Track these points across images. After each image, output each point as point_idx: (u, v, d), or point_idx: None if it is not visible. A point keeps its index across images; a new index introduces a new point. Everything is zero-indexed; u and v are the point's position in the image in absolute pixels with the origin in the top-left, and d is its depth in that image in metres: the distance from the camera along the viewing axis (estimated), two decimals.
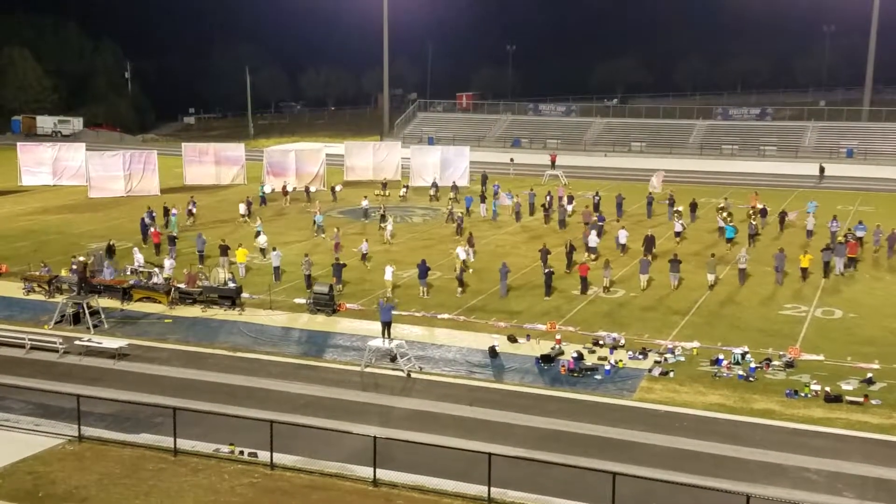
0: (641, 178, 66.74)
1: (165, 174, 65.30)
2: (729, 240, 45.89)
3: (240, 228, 49.79)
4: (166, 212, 49.48)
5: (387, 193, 60.73)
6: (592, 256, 42.00)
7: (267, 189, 60.07)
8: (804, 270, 39.57)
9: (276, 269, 38.71)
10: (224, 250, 39.96)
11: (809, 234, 47.79)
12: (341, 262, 38.02)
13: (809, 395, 26.25)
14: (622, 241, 44.66)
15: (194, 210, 52.37)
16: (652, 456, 22.43)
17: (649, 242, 42.38)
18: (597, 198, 55.12)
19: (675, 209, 52.19)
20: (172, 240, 42.86)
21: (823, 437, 23.73)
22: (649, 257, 41.12)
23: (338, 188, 61.06)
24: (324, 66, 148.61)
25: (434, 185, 61.58)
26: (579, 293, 36.98)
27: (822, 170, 73.96)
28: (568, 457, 21.76)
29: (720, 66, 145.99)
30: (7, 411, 24.45)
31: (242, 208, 52.53)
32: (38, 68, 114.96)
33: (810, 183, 70.26)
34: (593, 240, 43.18)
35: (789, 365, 28.73)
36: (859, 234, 45.56)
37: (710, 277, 38.20)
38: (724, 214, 49.93)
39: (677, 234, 47.48)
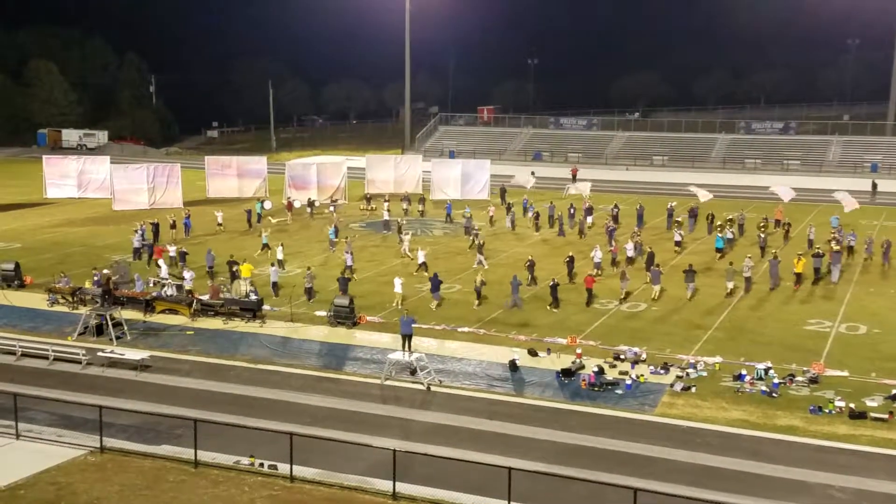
0: (663, 192, 66.50)
1: (188, 187, 65.78)
2: (718, 250, 45.71)
3: (250, 240, 49.68)
4: (173, 225, 49.98)
5: (405, 207, 60.58)
6: (598, 271, 41.86)
7: (267, 205, 60.01)
8: (798, 276, 39.68)
9: (275, 284, 38.67)
10: (231, 266, 39.82)
11: (810, 244, 47.37)
12: (347, 276, 38.14)
13: (833, 412, 25.96)
14: (630, 253, 44.55)
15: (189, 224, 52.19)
16: (673, 472, 22.25)
17: (649, 258, 42.16)
18: (615, 210, 55.04)
19: (674, 219, 52.34)
20: (183, 256, 42.74)
21: (848, 454, 23.44)
22: (658, 267, 41.17)
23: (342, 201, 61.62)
24: (346, 80, 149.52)
25: (406, 198, 61.67)
26: (590, 306, 37.03)
27: (874, 186, 73.07)
28: (588, 472, 21.62)
29: (743, 80, 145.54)
30: (31, 422, 24.61)
31: (220, 217, 53.27)
32: (63, 82, 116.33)
33: (830, 198, 69.57)
34: (598, 255, 42.68)
35: (813, 381, 28.45)
36: (851, 242, 45.98)
37: (729, 285, 38.54)
38: (724, 225, 50.03)
39: (677, 243, 47.52)
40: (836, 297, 39.09)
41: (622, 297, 37.50)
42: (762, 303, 38.15)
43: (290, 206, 59.43)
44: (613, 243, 46.03)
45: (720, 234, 47.43)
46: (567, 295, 38.16)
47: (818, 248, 43.15)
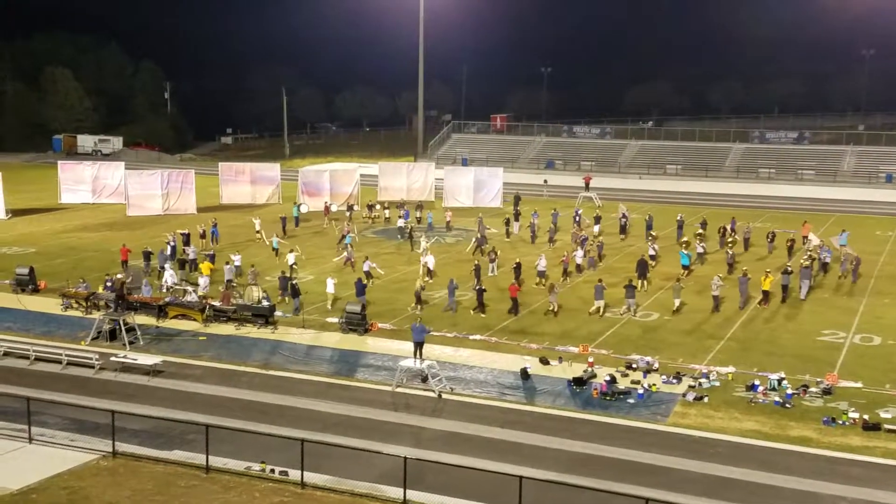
0: (676, 201, 66.33)
1: (202, 193, 66.05)
2: (685, 267, 43.58)
3: (265, 247, 49.76)
4: (203, 234, 49.88)
5: (418, 215, 60.45)
6: (542, 279, 41.88)
7: (303, 209, 60.25)
8: (766, 294, 38.64)
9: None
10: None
11: (825, 266, 44.81)
12: (364, 282, 38.41)
13: (847, 423, 25.80)
14: (578, 261, 44.34)
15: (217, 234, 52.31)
16: (685, 482, 22.15)
17: (642, 266, 42.02)
18: (623, 219, 54.82)
19: (650, 232, 51.17)
20: (212, 258, 43.01)
21: (861, 465, 23.28)
22: (643, 282, 41.20)
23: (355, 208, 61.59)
24: (359, 88, 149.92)
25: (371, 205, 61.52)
26: (517, 314, 36.85)
27: None
28: (600, 481, 21.53)
29: (757, 90, 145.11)
30: (43, 426, 24.71)
31: (258, 224, 52.74)
32: (79, 88, 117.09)
33: (850, 208, 69.36)
34: (542, 264, 42.28)
35: (827, 392, 28.28)
36: (826, 258, 44.61)
37: (676, 302, 37.53)
38: (689, 241, 48.50)
39: (652, 258, 45.90)
40: (851, 307, 38.87)
41: (630, 308, 37.23)
42: (775, 314, 37.97)
43: (327, 209, 59.67)
44: (580, 252, 45.29)
45: (685, 251, 44.85)
46: (579, 301, 38.06)
47: (788, 265, 41.79)
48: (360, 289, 37.50)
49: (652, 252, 46.34)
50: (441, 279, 41.06)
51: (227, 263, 41.76)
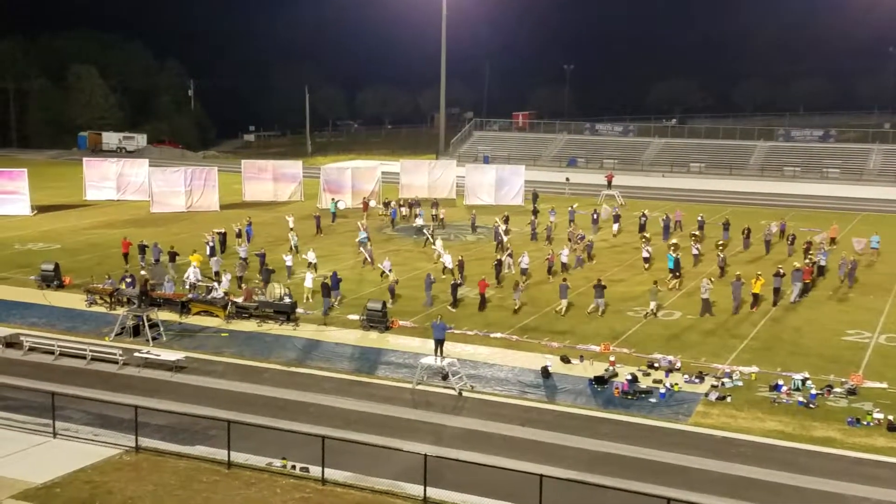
0: (699, 199, 65.95)
1: (225, 190, 66.39)
2: (671, 270, 42.05)
3: (318, 244, 49.61)
4: (239, 233, 49.26)
5: (440, 215, 60.25)
6: (524, 277, 41.83)
7: (341, 205, 60.25)
8: (755, 296, 37.62)
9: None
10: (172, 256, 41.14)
11: (821, 270, 43.47)
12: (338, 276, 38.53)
13: (872, 424, 25.55)
14: (564, 260, 43.80)
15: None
16: (707, 482, 22.01)
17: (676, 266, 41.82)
18: (643, 218, 54.48)
19: (642, 234, 50.39)
20: (263, 257, 42.66)
21: (886, 466, 23.04)
22: (677, 283, 41.01)
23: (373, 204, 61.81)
24: (381, 85, 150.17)
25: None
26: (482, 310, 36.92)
27: None
28: (621, 480, 21.44)
29: (782, 87, 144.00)
30: (68, 420, 24.94)
31: (291, 222, 52.62)
32: (104, 85, 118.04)
33: (875, 207, 68.65)
34: (524, 261, 42.46)
35: (851, 392, 28.01)
36: (821, 261, 43.45)
37: (652, 305, 36.86)
38: (678, 244, 46.81)
39: (645, 260, 45.18)
40: (876, 307, 38.47)
41: (653, 310, 36.96)
42: (799, 314, 37.64)
43: (365, 205, 59.84)
44: (566, 251, 44.86)
45: (672, 254, 42.74)
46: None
47: (780, 268, 40.21)
48: (335, 283, 37.62)
49: (646, 254, 45.36)
50: (445, 280, 40.71)
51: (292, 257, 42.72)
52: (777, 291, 38.49)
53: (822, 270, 43.31)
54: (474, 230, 55.28)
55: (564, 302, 36.90)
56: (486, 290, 37.84)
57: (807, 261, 42.64)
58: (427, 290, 37.91)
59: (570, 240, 48.43)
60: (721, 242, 48.83)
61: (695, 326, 35.53)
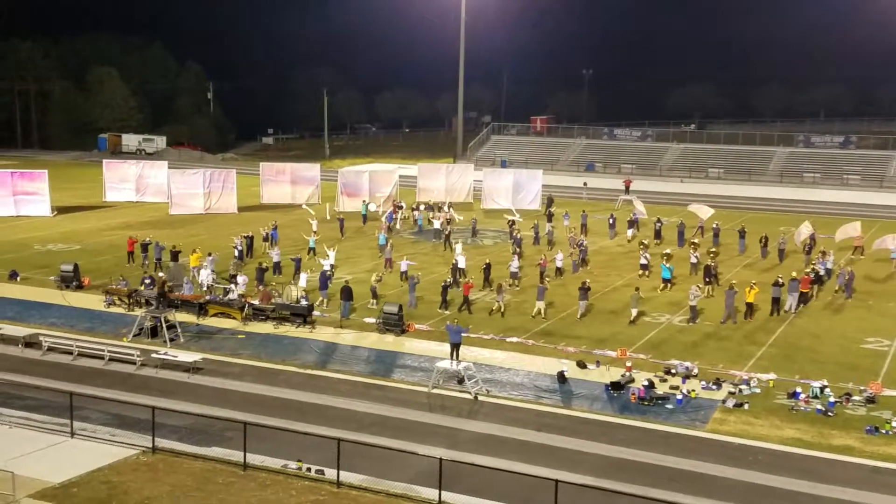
0: (718, 204, 65.50)
1: (243, 193, 66.64)
2: (665, 280, 41.87)
3: (340, 246, 49.60)
4: (266, 237, 49.37)
5: (456, 218, 60.14)
6: (514, 281, 41.95)
7: (371, 208, 60.37)
8: (750, 306, 36.91)
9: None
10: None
11: (819, 279, 42.70)
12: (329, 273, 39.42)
13: (891, 432, 25.35)
14: (558, 264, 44.18)
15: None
16: (724, 489, 21.88)
17: (707, 272, 41.49)
18: (658, 224, 54.20)
19: (641, 242, 49.64)
20: (298, 262, 42.65)
21: None
22: (710, 288, 40.65)
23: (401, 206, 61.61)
24: (399, 89, 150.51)
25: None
26: (462, 311, 36.98)
27: None
28: (636, 487, 21.36)
29: (802, 94, 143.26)
30: (85, 420, 25.08)
31: (315, 225, 52.55)
32: (124, 87, 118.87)
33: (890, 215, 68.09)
34: (514, 265, 42.86)
35: (870, 400, 27.79)
36: (821, 270, 42.60)
37: (633, 312, 36.46)
38: (670, 255, 46.41)
39: (643, 266, 44.62)
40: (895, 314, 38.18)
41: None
42: (818, 320, 37.39)
43: (395, 209, 59.91)
44: (560, 255, 44.96)
45: (666, 264, 42.60)
46: (608, 304, 37.84)
47: (779, 277, 39.44)
48: (323, 282, 38.20)
49: (644, 261, 44.85)
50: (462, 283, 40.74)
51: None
52: (776, 301, 37.79)
53: (820, 280, 42.16)
54: (474, 234, 55.13)
55: (540, 304, 36.76)
56: (470, 293, 38.07)
57: (807, 270, 42.24)
58: (411, 291, 38.19)
59: (570, 245, 48.36)
60: (713, 250, 48.47)
61: (713, 332, 35.34)
